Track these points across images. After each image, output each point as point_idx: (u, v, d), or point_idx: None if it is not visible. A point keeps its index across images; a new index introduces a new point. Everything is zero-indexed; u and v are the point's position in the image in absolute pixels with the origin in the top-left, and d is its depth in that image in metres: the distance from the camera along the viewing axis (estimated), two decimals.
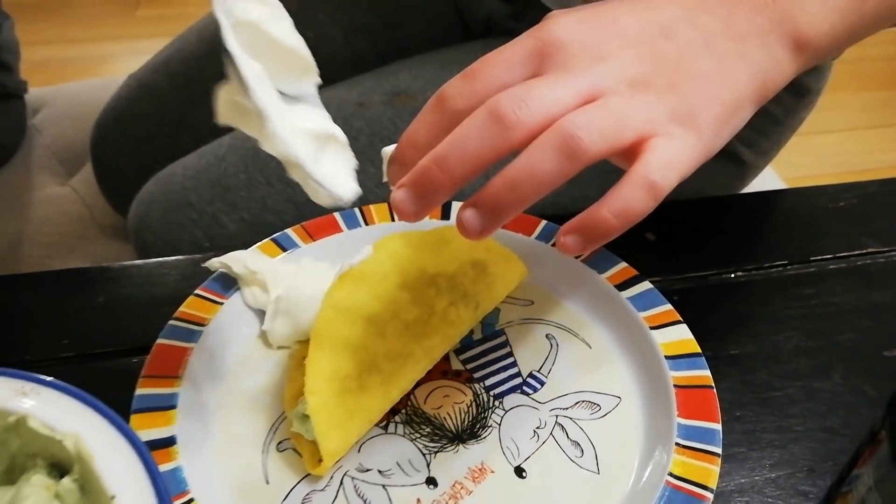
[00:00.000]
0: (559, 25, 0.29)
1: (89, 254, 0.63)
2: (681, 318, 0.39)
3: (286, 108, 0.31)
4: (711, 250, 0.48)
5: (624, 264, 0.42)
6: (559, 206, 0.50)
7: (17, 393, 0.28)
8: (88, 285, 0.45)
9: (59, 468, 0.28)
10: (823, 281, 0.46)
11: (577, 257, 0.43)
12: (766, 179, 0.72)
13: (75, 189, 0.69)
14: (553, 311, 0.42)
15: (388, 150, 0.32)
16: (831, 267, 0.47)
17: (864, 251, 0.48)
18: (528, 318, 0.42)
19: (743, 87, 0.29)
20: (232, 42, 0.29)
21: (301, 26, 0.59)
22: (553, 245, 0.44)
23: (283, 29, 0.32)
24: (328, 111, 0.51)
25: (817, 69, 0.53)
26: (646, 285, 0.41)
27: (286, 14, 0.32)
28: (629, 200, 0.27)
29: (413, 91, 0.51)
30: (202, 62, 0.60)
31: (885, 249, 0.49)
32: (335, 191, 0.31)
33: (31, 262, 0.62)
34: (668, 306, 0.40)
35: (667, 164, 0.27)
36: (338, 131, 0.33)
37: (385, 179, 0.31)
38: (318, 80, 0.33)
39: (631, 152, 0.27)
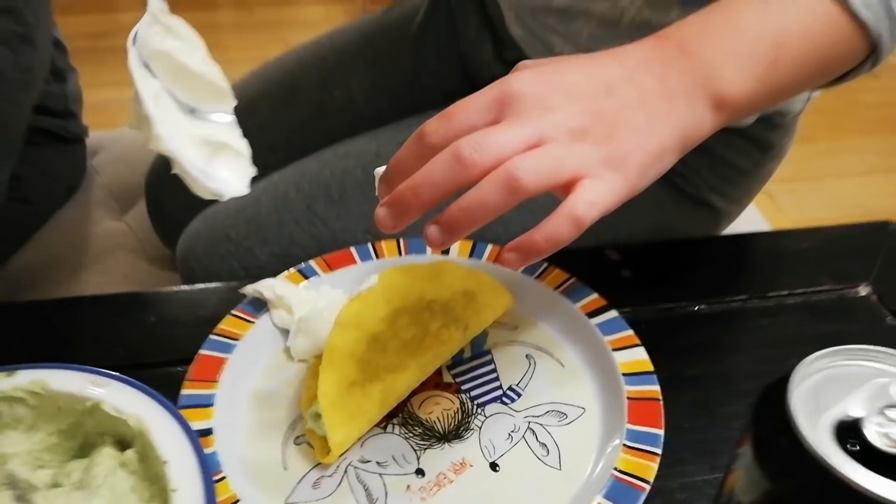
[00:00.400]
0: (519, 79, 0.35)
1: (141, 281, 0.72)
2: (639, 342, 0.45)
3: (186, 120, 0.38)
4: (680, 285, 0.54)
5: (596, 295, 0.49)
6: None
7: (92, 384, 0.36)
8: (142, 307, 0.54)
9: (122, 444, 0.36)
10: (779, 314, 0.52)
11: (557, 288, 0.50)
12: (751, 222, 0.78)
13: (129, 224, 0.78)
14: (533, 335, 0.49)
15: (380, 171, 0.38)
16: (788, 302, 0.53)
17: (820, 288, 0.54)
18: (512, 340, 0.48)
19: (667, 139, 0.36)
20: (133, 63, 0.37)
21: (333, 86, 0.68)
22: (536, 277, 0.51)
23: (195, 59, 0.39)
24: (349, 160, 0.59)
25: (780, 127, 0.59)
26: (613, 314, 0.47)
27: (200, 47, 0.39)
28: (557, 230, 0.33)
29: None
30: (244, 115, 0.69)
31: (839, 287, 0.55)
32: (211, 185, 0.38)
33: (90, 288, 0.71)
34: (630, 332, 0.46)
35: (591, 202, 0.33)
36: (241, 145, 0.40)
37: (377, 194, 0.38)
38: (234, 102, 0.40)
39: (566, 189, 0.34)
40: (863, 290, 0.54)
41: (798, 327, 0.51)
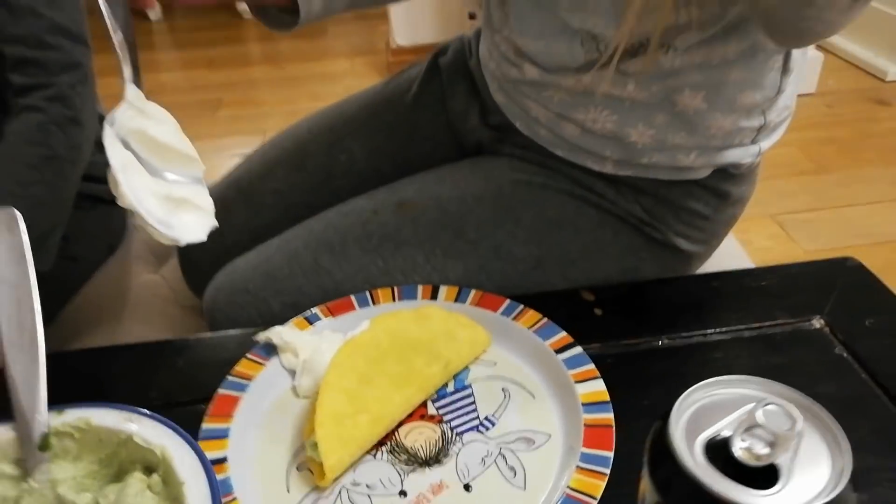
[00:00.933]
0: None
1: (174, 327, 0.80)
2: (599, 375, 0.51)
3: (153, 181, 0.46)
4: (646, 322, 0.60)
5: (563, 333, 0.55)
6: (523, 289, 0.63)
7: (126, 420, 0.44)
8: (172, 352, 0.61)
9: (150, 469, 0.43)
10: (733, 346, 0.57)
11: (531, 327, 0.56)
12: (735, 259, 0.83)
13: (164, 277, 0.87)
14: (509, 370, 0.55)
15: None
16: (745, 335, 0.58)
17: (775, 322, 0.59)
18: (490, 376, 0.55)
19: None
20: (106, 139, 0.45)
21: (338, 152, 0.76)
22: (513, 319, 0.57)
23: (165, 132, 0.48)
24: (350, 218, 0.67)
25: (734, 177, 0.65)
26: (577, 350, 0.53)
27: (169, 121, 0.47)
28: None
29: (415, 201, 0.66)
30: (262, 180, 0.78)
31: (793, 320, 0.60)
32: (168, 233, 0.45)
33: (130, 335, 0.79)
34: (591, 366, 0.52)
35: None
36: (204, 201, 0.48)
37: None
38: (202, 168, 0.48)
39: None
40: (816, 323, 0.59)
41: (751, 359, 0.56)
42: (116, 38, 0.48)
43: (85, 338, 0.80)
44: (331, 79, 2.63)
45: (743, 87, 0.59)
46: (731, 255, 0.84)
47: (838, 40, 2.50)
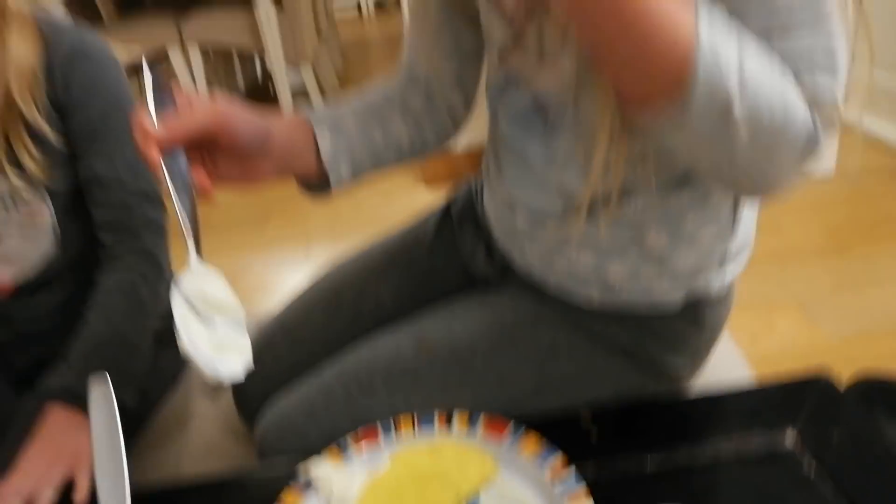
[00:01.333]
0: None
1: (229, 456, 0.90)
2: (589, 495, 0.59)
3: (204, 330, 0.57)
4: (636, 441, 0.67)
5: (560, 456, 0.63)
6: (526, 410, 0.72)
7: None
8: (228, 487, 0.71)
9: None
10: (713, 466, 0.64)
11: (532, 452, 0.64)
12: (732, 369, 0.90)
13: (221, 409, 0.98)
14: (513, 492, 0.63)
15: None
16: (723, 454, 0.65)
17: (751, 440, 0.66)
18: (497, 498, 0.63)
19: None
20: (174, 300, 0.56)
21: (366, 294, 0.88)
22: (516, 444, 0.66)
23: (217, 290, 0.60)
24: (377, 358, 0.78)
25: (709, 304, 0.74)
26: (571, 472, 0.62)
27: (220, 280, 0.59)
28: None
29: (433, 339, 0.77)
30: (303, 321, 0.90)
31: (768, 439, 0.66)
32: (216, 374, 0.55)
33: (191, 464, 0.90)
34: (583, 486, 0.60)
35: None
36: (243, 345, 0.59)
37: None
38: (243, 315, 0.60)
39: None
40: (789, 438, 0.66)
41: (729, 477, 0.63)
42: (182, 220, 0.61)
43: (155, 468, 0.91)
44: (369, 184, 2.80)
45: (700, 225, 0.69)
46: (726, 365, 0.90)
47: (855, 116, 2.56)
